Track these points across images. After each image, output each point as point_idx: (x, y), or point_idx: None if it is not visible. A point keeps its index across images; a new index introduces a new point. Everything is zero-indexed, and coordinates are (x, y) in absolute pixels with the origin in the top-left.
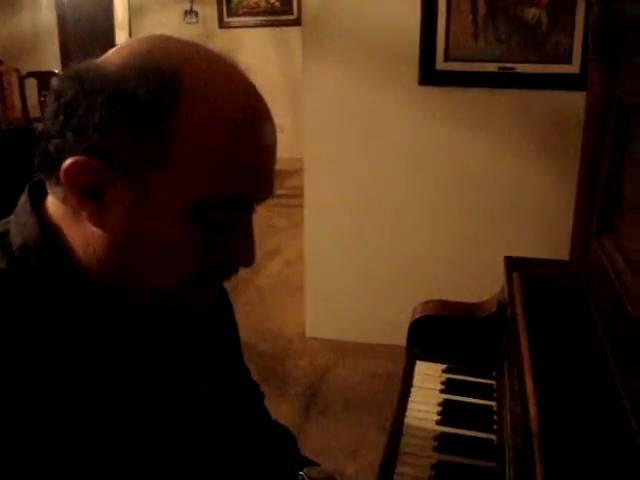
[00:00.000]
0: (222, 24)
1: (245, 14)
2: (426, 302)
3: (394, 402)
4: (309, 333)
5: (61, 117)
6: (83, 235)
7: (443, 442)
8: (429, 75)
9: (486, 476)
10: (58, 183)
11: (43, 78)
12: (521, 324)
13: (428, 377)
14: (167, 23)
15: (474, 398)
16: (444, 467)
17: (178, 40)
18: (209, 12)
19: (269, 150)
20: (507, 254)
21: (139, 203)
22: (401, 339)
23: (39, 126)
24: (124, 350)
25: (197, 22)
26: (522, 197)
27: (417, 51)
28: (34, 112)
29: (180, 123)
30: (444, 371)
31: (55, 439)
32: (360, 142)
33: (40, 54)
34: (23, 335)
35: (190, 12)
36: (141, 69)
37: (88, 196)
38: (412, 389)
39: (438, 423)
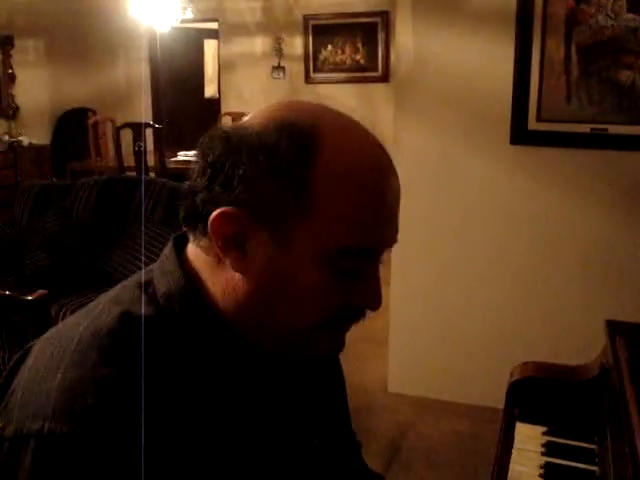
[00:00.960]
0: (308, 80)
1: (331, 70)
2: (525, 363)
3: (481, 462)
4: (391, 388)
5: (208, 172)
6: (224, 281)
7: None
8: (521, 135)
9: None
10: (203, 234)
11: (138, 129)
12: (629, 390)
13: (528, 439)
14: (255, 78)
15: (576, 462)
16: None
17: (309, 102)
18: (296, 68)
19: (396, 200)
20: (602, 316)
21: (278, 251)
22: (484, 399)
23: (185, 184)
24: (251, 390)
25: (284, 77)
26: (614, 259)
27: (509, 111)
28: (127, 161)
29: (319, 175)
30: (544, 434)
31: (190, 462)
32: (451, 199)
33: (133, 106)
34: (168, 374)
35: (277, 68)
36: (281, 125)
37: (232, 244)
38: (513, 450)
39: None
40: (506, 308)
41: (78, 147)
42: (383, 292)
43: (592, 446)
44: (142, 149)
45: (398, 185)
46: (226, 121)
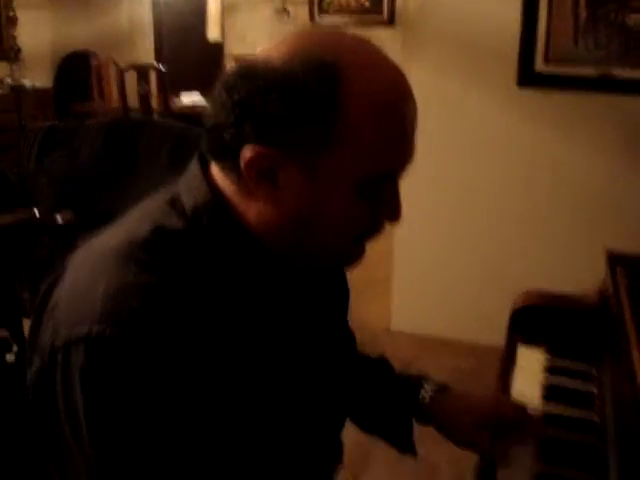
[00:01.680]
0: (313, 22)
1: (336, 12)
2: (527, 292)
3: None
4: (394, 327)
5: (237, 111)
6: (255, 211)
7: (547, 419)
8: (528, 76)
9: (589, 452)
10: (232, 167)
11: (143, 71)
12: (628, 320)
13: (530, 360)
14: (259, 21)
15: (576, 381)
16: (549, 441)
17: (327, 31)
18: (300, 10)
19: (415, 121)
20: (602, 248)
21: (308, 183)
22: (486, 337)
23: (206, 119)
24: (272, 295)
25: (288, 20)
26: (615, 197)
27: (516, 52)
28: (131, 103)
29: (345, 108)
30: (546, 355)
31: (221, 364)
32: (455, 140)
33: (135, 48)
34: (200, 282)
35: (282, 10)
36: (307, 61)
37: (263, 178)
38: (515, 369)
39: (542, 402)
40: (508, 245)
41: (80, 90)
42: (390, 230)
43: (591, 369)
44: (147, 91)
45: (416, 107)
46: (230, 64)
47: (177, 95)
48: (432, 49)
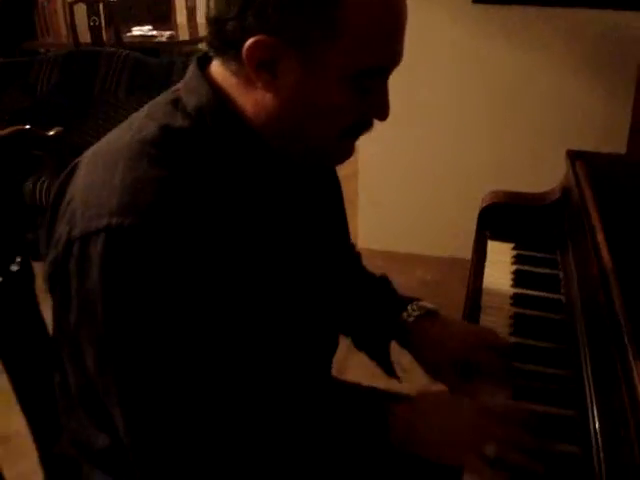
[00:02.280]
0: None
1: None
2: (494, 192)
3: (449, 304)
4: (361, 244)
5: (240, 3)
6: (254, 101)
7: (518, 300)
8: None
9: (557, 326)
10: (233, 58)
11: (91, 4)
12: (591, 206)
13: (499, 252)
14: None
15: (543, 268)
16: (521, 318)
17: None
18: None
19: (404, 24)
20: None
21: (307, 73)
22: (451, 250)
23: (209, 13)
24: (277, 191)
25: None
26: (572, 104)
27: None
28: (82, 38)
29: (343, 3)
30: (513, 249)
31: (229, 256)
32: (415, 57)
33: None
34: (206, 177)
35: None
36: None
37: (264, 68)
38: (486, 262)
39: (512, 286)
40: (472, 158)
41: (25, 27)
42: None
43: (556, 256)
44: (98, 24)
45: (406, 6)
46: None
47: (129, 29)
48: None
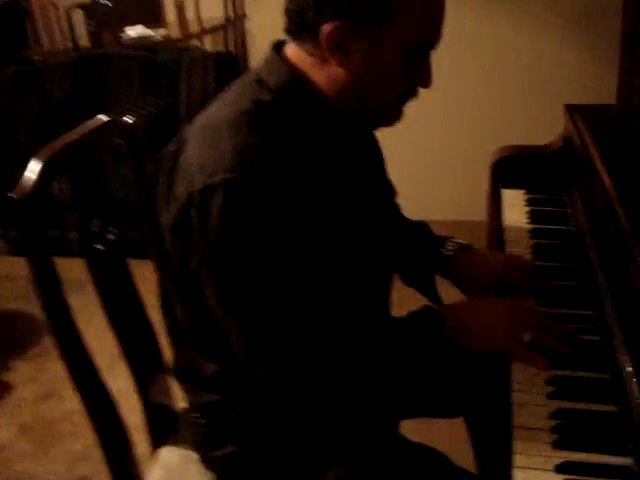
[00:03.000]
0: None
1: None
2: (503, 147)
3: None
4: None
5: None
6: (327, 75)
7: (535, 233)
8: None
9: (571, 250)
10: (309, 41)
11: (89, 9)
12: (591, 146)
13: (514, 198)
14: None
15: (553, 207)
16: (540, 247)
17: None
18: None
19: (444, 10)
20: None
21: (371, 50)
22: (465, 214)
23: (287, 4)
24: (343, 148)
25: None
26: (569, 62)
27: None
28: (82, 42)
29: None
30: (525, 194)
31: (312, 204)
32: None
33: None
34: (292, 139)
35: None
36: None
37: (338, 48)
38: (502, 208)
39: (529, 223)
40: (477, 121)
41: (19, 38)
42: None
43: (563, 197)
44: (96, 28)
45: None
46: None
47: (121, 29)
48: None
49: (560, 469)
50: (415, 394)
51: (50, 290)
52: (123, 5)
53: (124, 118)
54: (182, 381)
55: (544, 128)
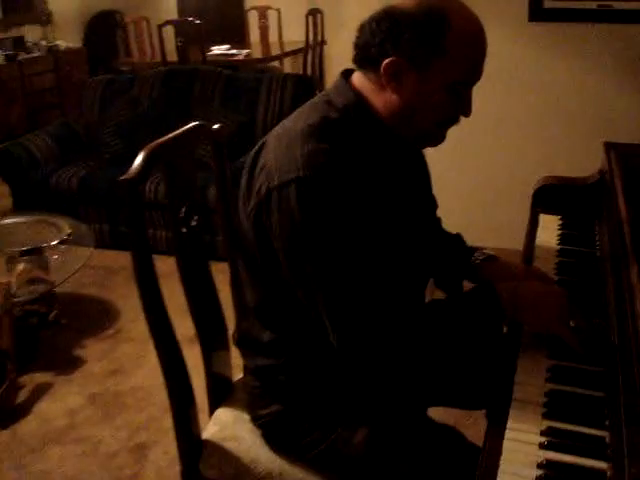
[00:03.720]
0: None
1: None
2: (545, 176)
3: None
4: None
5: (380, 36)
6: (384, 100)
7: (562, 253)
8: (537, 12)
9: (591, 270)
10: (372, 71)
11: (179, 25)
12: (618, 185)
13: (549, 222)
14: None
15: (583, 232)
16: (564, 265)
17: None
18: None
19: (485, 53)
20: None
21: (421, 81)
22: (503, 242)
23: (357, 40)
24: (395, 161)
25: None
26: (615, 110)
27: None
28: (169, 57)
29: (449, 37)
30: (560, 219)
31: (367, 204)
32: None
33: (156, 5)
34: (353, 149)
35: None
36: (426, 8)
37: (394, 79)
38: (538, 228)
39: (558, 244)
40: (526, 156)
41: (109, 48)
42: None
43: (594, 225)
44: (185, 44)
45: (487, 41)
46: (252, 15)
47: (207, 47)
48: None
49: (543, 433)
50: (463, 363)
51: (146, 272)
52: (211, 24)
53: (212, 125)
54: (243, 347)
55: (587, 162)
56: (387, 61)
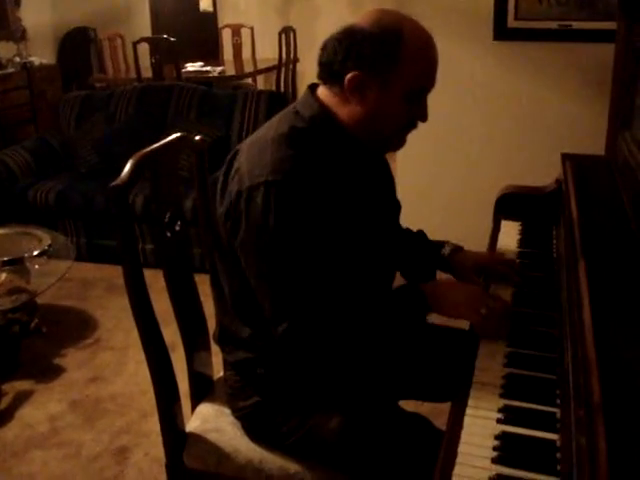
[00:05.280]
0: None
1: None
2: (506, 186)
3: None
4: None
5: (342, 54)
6: (348, 111)
7: (522, 255)
8: (502, 32)
9: (548, 264)
10: (336, 85)
11: (154, 42)
12: (572, 194)
13: (509, 227)
14: None
15: (541, 236)
16: (523, 264)
17: (389, 9)
18: None
19: (438, 60)
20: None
21: (382, 93)
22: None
23: (321, 58)
24: (358, 167)
25: None
26: (573, 121)
27: (492, 12)
28: (145, 73)
29: (404, 49)
30: (520, 225)
31: (332, 207)
32: (445, 87)
33: (131, 22)
34: (318, 157)
35: None
36: (383, 26)
37: (356, 91)
38: (499, 233)
39: (518, 247)
40: (488, 168)
41: (83, 64)
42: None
43: (552, 229)
44: (159, 61)
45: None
46: (226, 33)
47: (183, 64)
48: (423, 11)
49: (500, 410)
50: (400, 352)
51: (136, 276)
52: (185, 42)
53: (195, 137)
54: (223, 343)
55: (548, 172)
56: (349, 76)
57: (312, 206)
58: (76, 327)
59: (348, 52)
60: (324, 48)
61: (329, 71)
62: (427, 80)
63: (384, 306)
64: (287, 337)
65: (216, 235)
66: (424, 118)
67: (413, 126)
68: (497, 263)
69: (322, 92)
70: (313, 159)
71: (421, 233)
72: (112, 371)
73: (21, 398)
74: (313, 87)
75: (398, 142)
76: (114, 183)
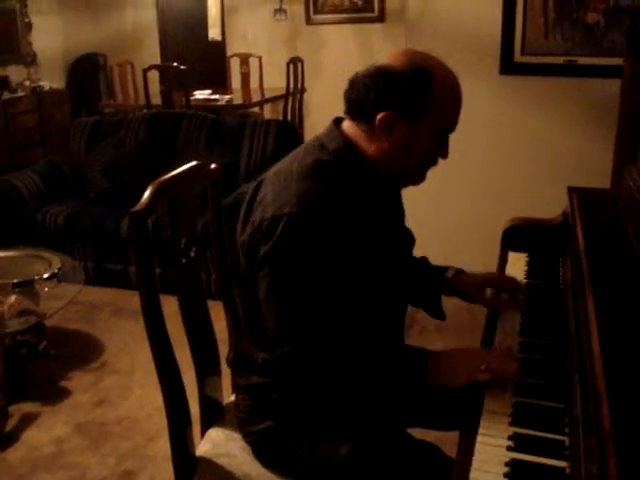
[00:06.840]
0: (309, 21)
1: (330, 12)
2: (513, 217)
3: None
4: None
5: (374, 93)
6: (375, 148)
7: (529, 286)
8: (508, 66)
9: (556, 296)
10: (364, 121)
11: (164, 70)
12: (579, 226)
13: (517, 259)
14: (258, 20)
15: (547, 268)
16: (530, 297)
17: (420, 51)
18: (297, 10)
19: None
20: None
21: (411, 131)
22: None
23: (349, 95)
24: (379, 202)
25: (286, 19)
26: (580, 155)
27: (499, 47)
28: (154, 100)
29: (433, 93)
30: (527, 256)
31: (351, 239)
32: None
33: (141, 50)
34: (343, 190)
35: (279, 10)
36: (415, 68)
37: (386, 129)
38: (507, 264)
39: (525, 278)
40: (495, 201)
41: (92, 90)
42: None
43: (559, 260)
44: (169, 88)
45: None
46: (234, 62)
47: (191, 93)
48: (430, 45)
49: (510, 438)
50: (394, 403)
51: (153, 302)
52: (194, 70)
53: (210, 165)
54: (237, 367)
55: (554, 205)
56: (381, 115)
57: (332, 239)
58: (83, 350)
59: (381, 92)
60: (352, 86)
61: (359, 109)
62: (453, 121)
63: (387, 359)
64: (288, 360)
65: (234, 261)
66: (445, 155)
67: (434, 163)
68: (501, 280)
69: (348, 126)
70: (337, 193)
71: (424, 259)
72: (118, 394)
73: (27, 420)
74: (338, 121)
75: (419, 177)
76: (134, 209)
